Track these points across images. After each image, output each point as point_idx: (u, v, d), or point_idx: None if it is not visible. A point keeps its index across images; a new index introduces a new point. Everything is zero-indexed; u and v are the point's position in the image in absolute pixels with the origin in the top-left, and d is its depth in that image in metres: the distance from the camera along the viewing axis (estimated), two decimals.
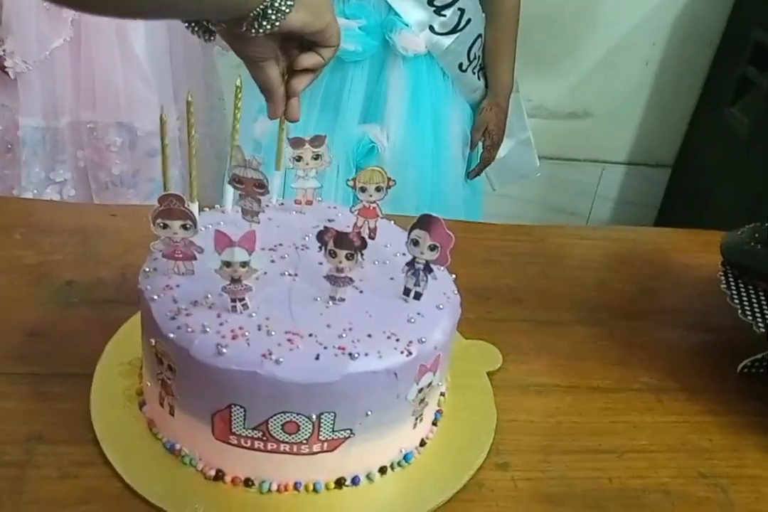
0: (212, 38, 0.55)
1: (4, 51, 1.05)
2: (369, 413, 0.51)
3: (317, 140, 0.60)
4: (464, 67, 1.18)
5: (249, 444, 0.51)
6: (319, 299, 0.53)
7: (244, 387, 0.48)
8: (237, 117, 0.60)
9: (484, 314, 0.75)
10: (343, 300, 0.53)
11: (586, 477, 0.57)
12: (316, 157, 0.61)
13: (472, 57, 1.18)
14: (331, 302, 0.53)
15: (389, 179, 0.56)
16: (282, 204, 0.65)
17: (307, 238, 0.59)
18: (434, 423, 0.59)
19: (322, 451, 0.52)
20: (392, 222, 0.63)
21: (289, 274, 0.55)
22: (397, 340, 0.51)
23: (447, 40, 1.13)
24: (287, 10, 0.49)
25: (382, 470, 0.55)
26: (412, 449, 0.56)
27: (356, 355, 0.49)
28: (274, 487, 0.53)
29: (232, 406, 0.49)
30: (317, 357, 0.48)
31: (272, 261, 0.56)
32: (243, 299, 0.50)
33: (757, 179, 1.53)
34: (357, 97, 1.17)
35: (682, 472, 0.58)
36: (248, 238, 0.48)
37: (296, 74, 0.57)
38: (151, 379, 0.55)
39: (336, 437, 0.51)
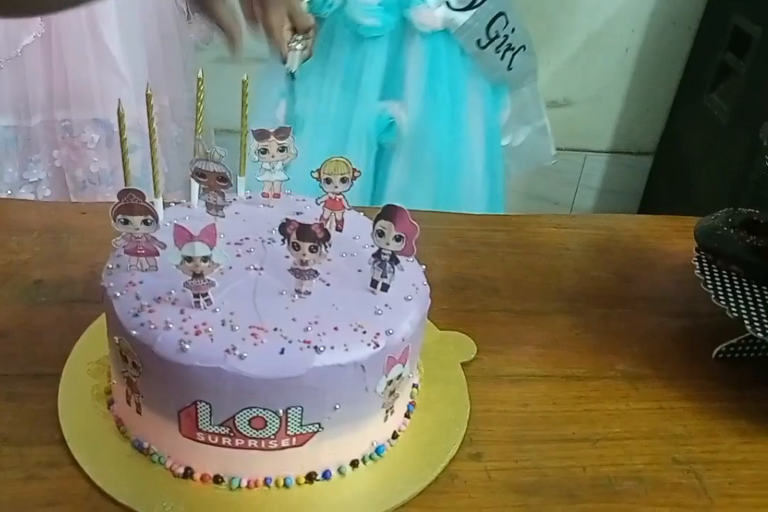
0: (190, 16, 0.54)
1: None
2: (337, 407, 0.50)
3: (282, 132, 0.59)
4: (483, 44, 1.21)
5: (217, 440, 0.51)
6: (284, 293, 0.52)
7: (209, 384, 0.48)
8: (201, 111, 0.60)
9: (459, 305, 0.74)
10: (308, 293, 0.52)
11: (560, 466, 0.56)
12: (282, 149, 0.60)
13: (492, 34, 1.21)
14: (296, 296, 0.52)
15: (354, 170, 0.56)
16: (250, 197, 0.64)
17: (273, 232, 0.58)
18: (407, 416, 0.59)
19: (291, 446, 0.51)
20: (362, 213, 0.62)
21: (255, 268, 0.54)
22: (364, 333, 0.50)
23: (464, 16, 1.18)
24: None
25: (354, 463, 0.54)
26: (384, 442, 0.56)
27: (322, 349, 0.48)
28: (244, 483, 0.52)
29: (198, 403, 0.49)
30: (282, 352, 0.48)
31: (238, 255, 0.56)
32: (206, 294, 0.50)
33: (738, 164, 1.53)
34: (376, 73, 1.21)
35: (656, 459, 0.58)
36: (209, 232, 0.47)
37: (267, 8, 0.55)
38: (117, 377, 0.54)
39: (304, 432, 0.50)
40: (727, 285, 0.67)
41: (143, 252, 0.52)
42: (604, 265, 0.84)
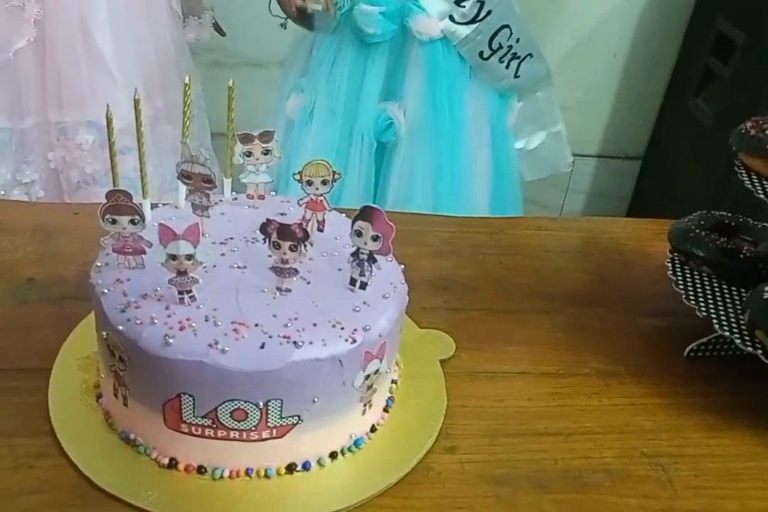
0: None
1: None
2: (316, 400, 0.52)
3: (266, 135, 0.61)
4: (485, 55, 1.25)
5: (200, 432, 0.53)
6: (266, 290, 0.54)
7: (192, 377, 0.50)
8: (188, 115, 0.62)
9: (440, 304, 0.76)
10: (289, 290, 0.54)
11: (532, 458, 0.59)
12: (266, 152, 0.62)
13: (495, 46, 1.27)
14: (278, 293, 0.54)
15: (334, 172, 0.58)
16: (235, 199, 0.66)
17: (257, 232, 0.60)
18: (386, 410, 0.61)
19: (272, 438, 0.53)
20: (343, 215, 0.64)
21: (238, 267, 0.56)
22: (342, 329, 0.52)
23: (466, 30, 1.24)
24: None
25: (333, 455, 0.56)
26: (362, 435, 0.58)
27: (301, 344, 0.50)
28: (227, 474, 0.54)
29: (182, 395, 0.51)
30: (262, 346, 0.50)
31: (222, 254, 0.58)
32: (190, 291, 0.52)
33: (722, 168, 1.56)
34: (378, 76, 1.29)
35: (625, 452, 0.60)
36: (192, 231, 0.50)
37: None
38: (105, 371, 0.56)
39: (284, 424, 0.53)
40: (698, 285, 0.70)
41: (130, 250, 0.54)
42: (582, 266, 0.86)
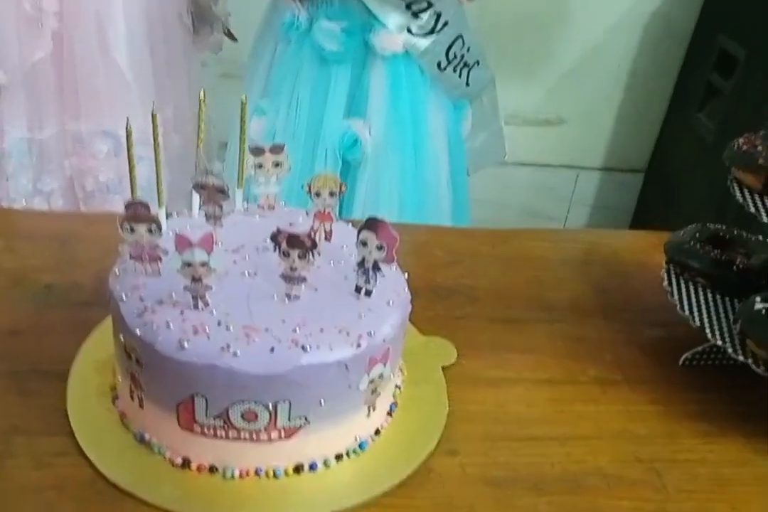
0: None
1: None
2: (322, 402, 0.54)
3: (277, 148, 0.64)
4: (443, 66, 1.27)
5: (212, 432, 0.55)
6: (275, 297, 0.57)
7: (205, 379, 0.52)
8: (202, 128, 0.64)
9: (443, 312, 0.78)
10: (298, 297, 0.56)
11: (530, 462, 0.61)
12: (276, 164, 0.65)
13: (451, 56, 1.28)
14: (287, 299, 0.56)
15: (341, 184, 0.60)
16: (247, 209, 0.69)
17: (267, 241, 0.63)
18: (389, 414, 0.63)
19: (280, 438, 0.55)
20: (350, 224, 0.67)
21: (249, 274, 0.59)
22: (348, 334, 0.54)
23: (425, 42, 1.24)
24: None
25: (338, 457, 0.59)
26: (366, 437, 0.60)
27: (308, 348, 0.53)
28: (237, 473, 0.56)
29: (195, 396, 0.53)
30: (272, 350, 0.52)
31: (234, 262, 0.60)
32: (204, 297, 0.54)
33: (724, 181, 1.58)
34: (341, 94, 1.28)
35: (620, 457, 0.62)
36: (206, 239, 0.52)
37: None
38: (121, 374, 0.59)
39: (292, 425, 0.55)
40: (692, 296, 0.72)
41: (147, 258, 0.57)
42: (582, 277, 0.88)
